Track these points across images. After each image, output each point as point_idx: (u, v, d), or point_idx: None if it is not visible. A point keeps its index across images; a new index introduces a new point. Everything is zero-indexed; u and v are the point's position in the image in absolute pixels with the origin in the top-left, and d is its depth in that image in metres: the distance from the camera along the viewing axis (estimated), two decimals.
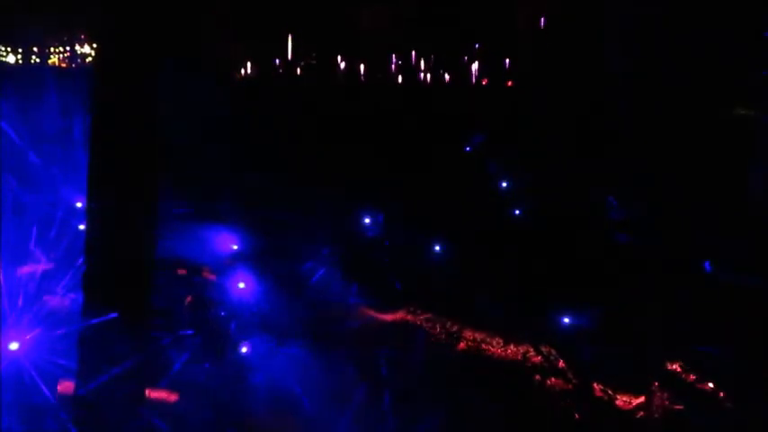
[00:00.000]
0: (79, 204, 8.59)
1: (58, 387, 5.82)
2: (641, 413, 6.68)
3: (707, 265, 8.89)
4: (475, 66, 16.01)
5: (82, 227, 6.38)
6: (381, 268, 9.32)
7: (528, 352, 7.86)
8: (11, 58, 14.92)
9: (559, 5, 13.74)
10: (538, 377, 7.39)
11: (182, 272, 7.83)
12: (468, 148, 12.42)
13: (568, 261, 9.07)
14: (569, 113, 12.12)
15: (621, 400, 6.86)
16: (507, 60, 15.46)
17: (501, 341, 8.08)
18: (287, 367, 6.88)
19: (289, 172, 11.32)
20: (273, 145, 11.83)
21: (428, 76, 16.60)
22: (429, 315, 8.42)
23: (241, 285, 7.95)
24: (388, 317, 8.23)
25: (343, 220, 10.53)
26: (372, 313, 8.20)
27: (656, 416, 6.62)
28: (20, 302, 6.47)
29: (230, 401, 6.40)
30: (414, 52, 16.37)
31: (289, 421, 6.19)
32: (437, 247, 9.95)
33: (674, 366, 7.05)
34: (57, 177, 9.36)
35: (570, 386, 7.21)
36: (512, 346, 8.00)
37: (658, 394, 6.73)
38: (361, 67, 16.48)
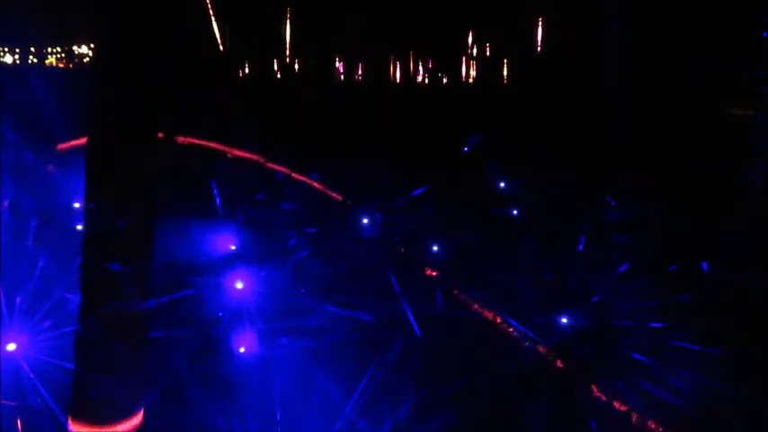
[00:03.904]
0: (77, 205, 8.59)
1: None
2: (638, 414, 6.68)
3: (704, 265, 8.91)
4: (474, 66, 16.02)
5: (80, 227, 6.37)
6: (379, 268, 9.31)
7: (523, 349, 7.87)
8: (8, 59, 14.91)
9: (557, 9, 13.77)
10: (533, 376, 7.38)
11: (180, 272, 7.83)
12: (465, 149, 12.44)
13: (566, 260, 9.09)
14: (567, 113, 12.14)
15: (619, 401, 6.85)
16: (505, 61, 15.48)
17: (494, 341, 8.09)
18: (285, 368, 6.88)
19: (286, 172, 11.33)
20: (271, 144, 11.85)
21: (426, 76, 16.61)
22: (426, 312, 8.39)
23: (239, 286, 7.95)
24: (385, 316, 8.20)
25: (341, 220, 10.54)
26: (371, 312, 8.18)
27: (654, 416, 6.61)
28: (17, 303, 6.46)
29: (228, 402, 6.39)
30: (412, 53, 16.39)
31: (286, 422, 6.19)
32: (435, 247, 9.96)
33: (672, 366, 7.04)
34: (54, 178, 9.36)
35: (568, 386, 7.20)
36: (505, 343, 8.01)
37: (655, 395, 6.73)
38: (359, 67, 16.48)
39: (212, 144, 11.27)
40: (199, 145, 11.19)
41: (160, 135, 5.48)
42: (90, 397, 5.31)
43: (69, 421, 5.35)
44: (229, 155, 11.35)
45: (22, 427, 5.85)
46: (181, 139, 10.86)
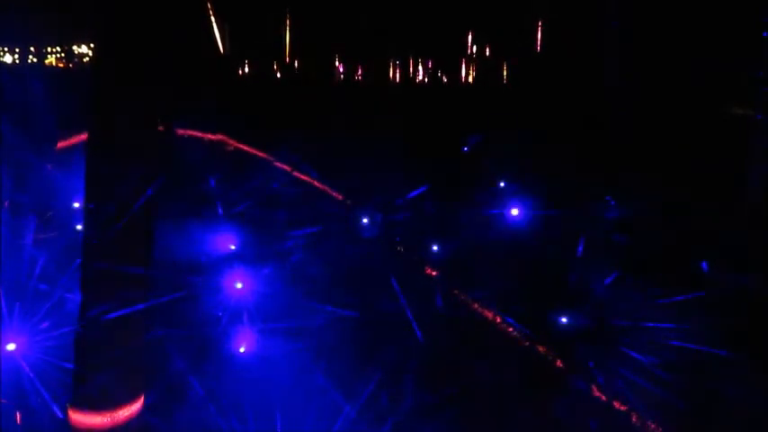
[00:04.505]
0: (77, 205, 8.59)
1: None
2: (638, 414, 6.68)
3: (704, 264, 8.91)
4: (473, 67, 16.02)
5: (79, 227, 6.37)
6: (379, 268, 9.32)
7: (523, 349, 7.87)
8: (8, 59, 14.91)
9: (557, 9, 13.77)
10: (533, 376, 7.38)
11: (180, 272, 7.82)
12: (465, 149, 12.43)
13: (566, 260, 9.08)
14: (567, 113, 12.14)
15: (619, 401, 6.85)
16: (505, 61, 15.48)
17: (494, 341, 8.09)
18: (285, 368, 6.88)
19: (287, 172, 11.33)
20: (270, 145, 11.84)
21: (426, 76, 16.61)
22: (426, 312, 8.40)
23: (239, 286, 7.95)
24: (385, 316, 8.21)
25: (341, 221, 10.54)
26: (371, 312, 8.18)
27: (654, 416, 6.61)
28: (17, 303, 6.46)
29: (228, 402, 6.39)
30: (411, 53, 16.38)
31: (286, 422, 6.19)
32: (435, 247, 9.96)
33: (672, 366, 7.04)
34: (54, 178, 9.35)
35: (568, 386, 7.20)
36: (505, 343, 8.01)
37: (656, 395, 6.73)
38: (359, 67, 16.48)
39: (212, 136, 11.26)
40: (198, 141, 11.19)
41: (160, 128, 5.49)
42: (90, 389, 5.34)
43: (69, 410, 5.39)
44: (230, 147, 11.35)
45: (21, 426, 5.85)
46: (180, 131, 10.84)
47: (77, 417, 5.35)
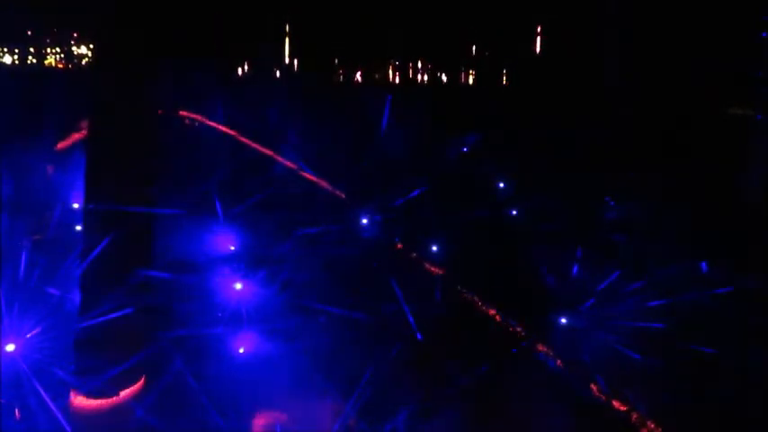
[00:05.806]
0: (76, 205, 8.59)
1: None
2: (636, 414, 6.68)
3: (704, 265, 8.91)
4: (474, 67, 16.04)
5: (79, 227, 6.37)
6: (378, 268, 9.32)
7: (523, 349, 7.87)
8: (8, 59, 14.93)
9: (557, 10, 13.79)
10: (533, 376, 7.38)
11: (179, 272, 7.82)
12: (465, 149, 12.44)
13: (567, 260, 9.09)
14: (567, 113, 12.15)
15: (618, 401, 6.85)
16: (505, 62, 15.50)
17: (494, 340, 8.10)
18: (285, 368, 6.88)
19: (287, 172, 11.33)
20: (271, 145, 11.84)
21: (425, 76, 16.63)
22: (426, 312, 8.40)
23: (238, 286, 7.94)
24: (385, 316, 8.21)
25: (340, 221, 10.54)
26: (371, 312, 8.18)
27: (654, 416, 6.61)
28: (17, 303, 6.45)
29: (227, 402, 6.39)
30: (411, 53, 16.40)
31: (286, 422, 6.19)
32: (435, 247, 9.96)
33: (672, 366, 7.04)
34: (53, 177, 9.36)
35: (568, 386, 7.20)
36: (504, 343, 8.01)
37: (655, 395, 6.73)
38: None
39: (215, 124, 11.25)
40: (199, 138, 11.19)
41: (160, 111, 5.52)
42: (89, 381, 5.38)
43: (72, 394, 5.41)
44: (232, 142, 11.35)
45: (20, 425, 5.85)
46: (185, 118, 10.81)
47: (79, 401, 5.39)
